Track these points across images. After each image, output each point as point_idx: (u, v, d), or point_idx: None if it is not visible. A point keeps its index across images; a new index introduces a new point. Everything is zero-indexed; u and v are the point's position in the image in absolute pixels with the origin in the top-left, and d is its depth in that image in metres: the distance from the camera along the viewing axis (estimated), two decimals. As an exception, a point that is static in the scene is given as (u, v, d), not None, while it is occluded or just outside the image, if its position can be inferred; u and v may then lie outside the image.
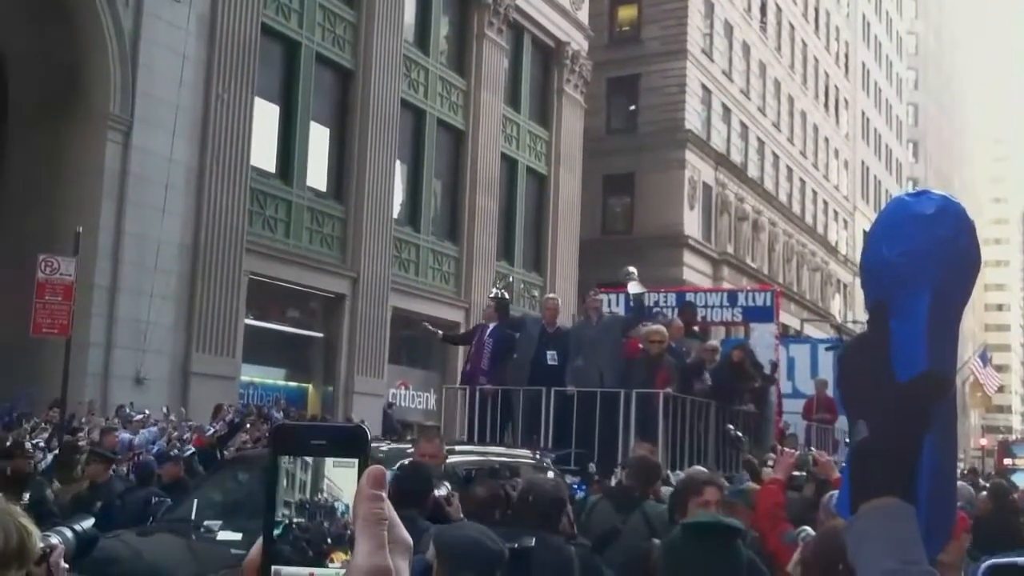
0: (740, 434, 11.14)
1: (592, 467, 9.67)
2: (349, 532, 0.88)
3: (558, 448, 10.83)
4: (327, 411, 23.02)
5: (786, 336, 30.99)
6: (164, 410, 16.62)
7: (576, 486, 8.76)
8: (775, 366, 16.25)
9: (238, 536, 6.24)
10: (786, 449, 7.90)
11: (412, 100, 27.04)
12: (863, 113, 63.91)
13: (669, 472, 9.89)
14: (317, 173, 24.24)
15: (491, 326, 12.64)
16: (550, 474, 8.35)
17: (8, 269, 18.31)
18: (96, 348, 18.26)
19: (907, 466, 1.29)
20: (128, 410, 16.28)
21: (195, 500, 7.32)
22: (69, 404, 15.20)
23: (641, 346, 11.70)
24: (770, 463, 9.10)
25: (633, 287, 12.37)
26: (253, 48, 21.56)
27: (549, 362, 11.83)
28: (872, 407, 1.32)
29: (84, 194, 18.55)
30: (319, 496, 0.90)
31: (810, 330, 40.47)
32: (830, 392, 18.18)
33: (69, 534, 4.33)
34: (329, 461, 0.90)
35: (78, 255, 15.39)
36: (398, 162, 26.12)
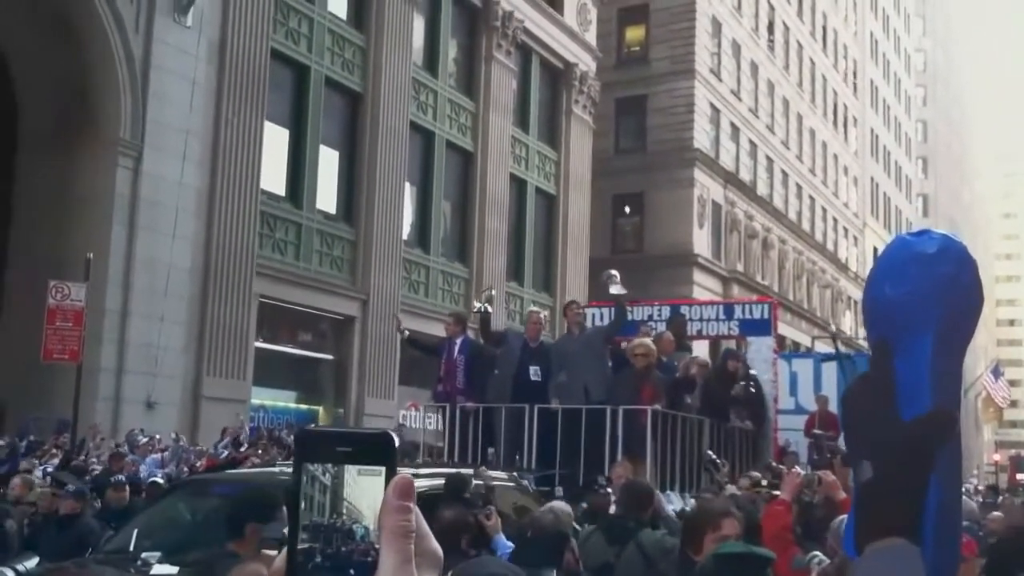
0: (717, 459, 10.70)
1: (559, 491, 9.06)
2: (371, 559, 0.83)
3: (542, 468, 10.37)
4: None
5: (792, 352, 30.78)
6: (173, 435, 16.60)
7: None
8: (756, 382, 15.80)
9: (174, 570, 5.78)
10: (791, 469, 7.71)
11: (421, 122, 27.11)
12: (872, 130, 63.87)
13: (658, 493, 9.62)
14: (327, 196, 24.31)
15: (459, 341, 12.11)
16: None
17: (19, 295, 18.40)
18: (107, 373, 18.26)
19: (913, 506, 1.28)
20: (137, 433, 16.24)
21: (135, 529, 6.72)
22: (80, 430, 15.23)
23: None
24: (745, 481, 8.90)
25: (614, 289, 11.80)
26: (263, 73, 21.67)
27: (532, 378, 11.39)
28: (877, 447, 1.32)
29: (95, 219, 18.62)
30: (336, 519, 0.84)
31: (820, 347, 40.30)
32: (832, 408, 17.79)
33: (10, 574, 4.32)
34: (349, 480, 0.85)
35: (89, 280, 15.48)
36: (407, 184, 26.19)
